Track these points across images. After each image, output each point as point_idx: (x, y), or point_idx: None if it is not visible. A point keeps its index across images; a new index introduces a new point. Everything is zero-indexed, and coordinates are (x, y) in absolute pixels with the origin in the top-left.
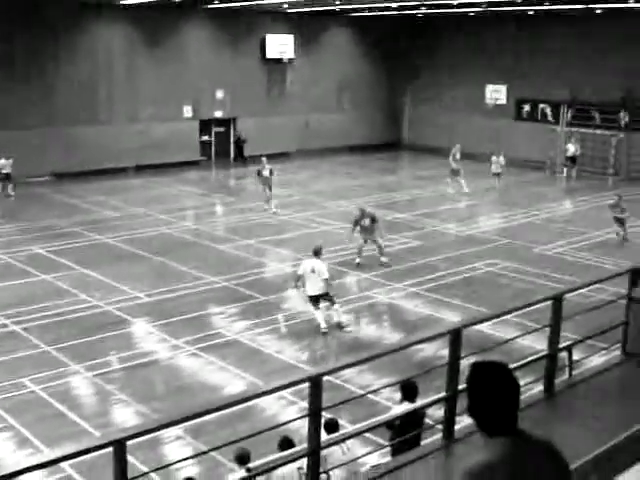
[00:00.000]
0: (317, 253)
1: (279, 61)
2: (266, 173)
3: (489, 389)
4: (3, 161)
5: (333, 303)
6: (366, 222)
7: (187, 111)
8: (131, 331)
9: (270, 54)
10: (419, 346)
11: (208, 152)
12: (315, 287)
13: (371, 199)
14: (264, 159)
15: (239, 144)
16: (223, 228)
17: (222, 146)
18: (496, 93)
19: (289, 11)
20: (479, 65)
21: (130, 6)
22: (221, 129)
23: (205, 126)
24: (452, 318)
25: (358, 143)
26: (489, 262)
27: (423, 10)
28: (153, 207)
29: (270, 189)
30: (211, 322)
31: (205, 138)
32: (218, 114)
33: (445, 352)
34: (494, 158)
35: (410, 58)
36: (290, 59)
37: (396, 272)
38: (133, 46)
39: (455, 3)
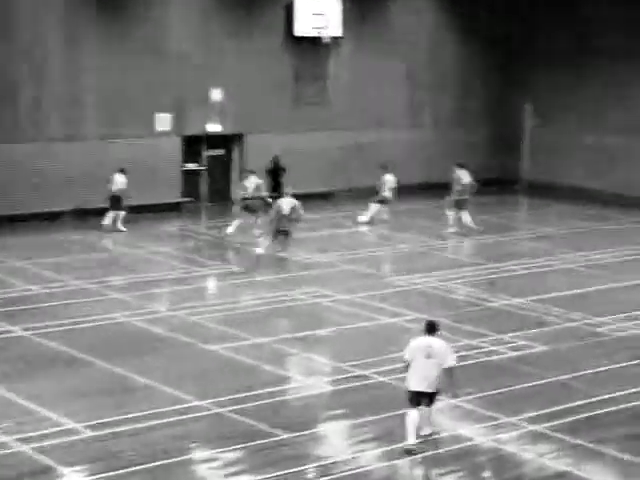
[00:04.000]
0: None
1: (316, 42)
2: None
3: None
4: None
5: None
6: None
7: (161, 122)
8: None
9: (301, 30)
10: None
11: (196, 190)
12: None
13: (466, 272)
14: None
15: (276, 174)
16: (219, 317)
17: (220, 180)
18: None
19: None
20: None
21: None
22: (219, 152)
23: (192, 147)
24: (605, 479)
25: (444, 180)
26: None
27: None
28: (104, 279)
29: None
30: (193, 476)
31: (192, 167)
32: (214, 128)
33: None
34: None
35: (533, 48)
36: (334, 38)
37: (506, 397)
38: (74, 19)
39: None
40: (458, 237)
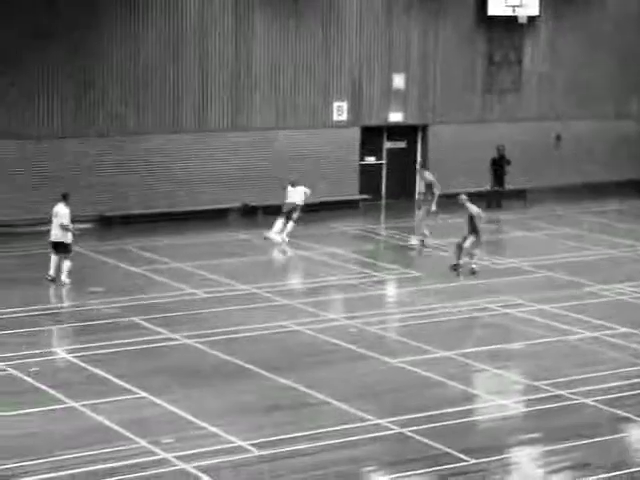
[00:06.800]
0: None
1: (511, 22)
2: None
3: None
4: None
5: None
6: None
7: (338, 110)
8: None
9: (494, 9)
10: None
11: (376, 186)
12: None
13: None
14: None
15: (499, 168)
16: (400, 327)
17: (401, 176)
18: None
19: None
20: None
21: None
22: (401, 144)
23: (371, 138)
24: None
25: None
26: None
27: None
28: (273, 284)
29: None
30: None
31: (371, 160)
32: (396, 117)
33: None
34: None
35: None
36: (531, 18)
37: None
38: (245, 6)
39: None
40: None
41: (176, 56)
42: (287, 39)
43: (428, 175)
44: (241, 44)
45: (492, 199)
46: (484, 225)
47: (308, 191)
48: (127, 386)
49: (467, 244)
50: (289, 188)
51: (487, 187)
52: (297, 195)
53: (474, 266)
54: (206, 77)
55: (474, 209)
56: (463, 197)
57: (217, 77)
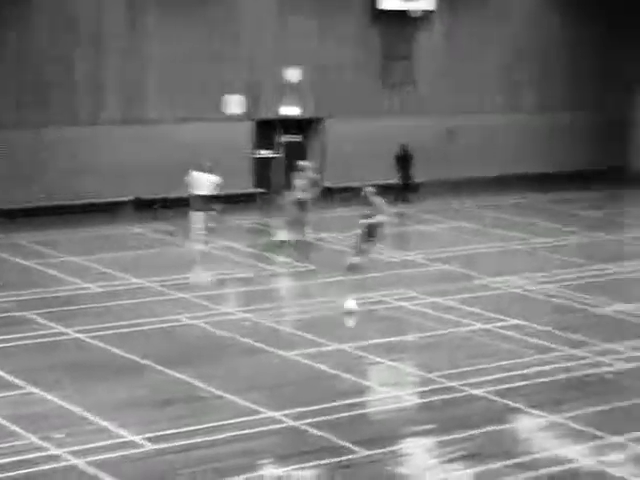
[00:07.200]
0: None
1: (404, 16)
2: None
3: None
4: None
5: None
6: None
7: (232, 104)
8: None
9: (387, 3)
10: None
11: (269, 180)
12: None
13: (566, 273)
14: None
15: (404, 162)
16: (294, 320)
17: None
18: None
19: None
20: None
21: None
22: (296, 138)
23: (266, 132)
24: None
25: (546, 170)
26: None
27: None
28: (167, 277)
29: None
30: None
31: (265, 154)
32: (290, 111)
33: None
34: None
35: None
36: (425, 12)
37: (614, 414)
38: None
39: None
40: None
41: (69, 48)
42: (181, 32)
43: (312, 173)
44: (135, 36)
45: (399, 194)
46: (387, 219)
47: (214, 178)
48: (17, 381)
49: (366, 242)
50: (192, 173)
51: (398, 182)
52: (201, 184)
53: (355, 260)
54: (99, 70)
55: (377, 202)
56: (369, 190)
57: (111, 70)
